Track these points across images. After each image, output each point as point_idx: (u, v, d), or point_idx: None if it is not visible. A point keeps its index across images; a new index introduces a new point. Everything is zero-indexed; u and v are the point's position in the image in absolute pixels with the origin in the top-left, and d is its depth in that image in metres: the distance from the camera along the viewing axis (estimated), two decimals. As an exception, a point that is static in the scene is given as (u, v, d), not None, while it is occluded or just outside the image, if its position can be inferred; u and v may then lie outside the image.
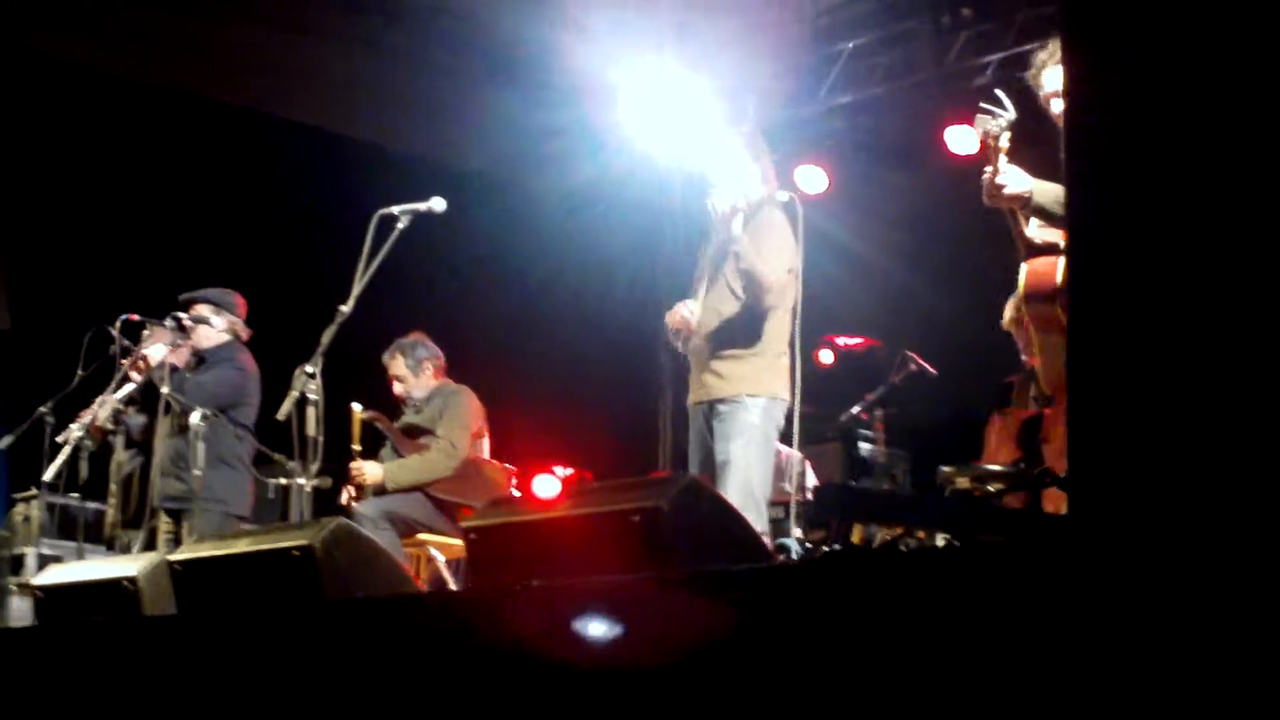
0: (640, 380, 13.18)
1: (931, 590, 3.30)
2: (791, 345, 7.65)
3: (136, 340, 9.06)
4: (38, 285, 12.90)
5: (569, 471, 11.95)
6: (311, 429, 7.41)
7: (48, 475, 8.88)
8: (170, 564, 5.83)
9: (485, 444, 9.49)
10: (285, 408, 7.41)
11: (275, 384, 8.07)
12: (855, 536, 8.26)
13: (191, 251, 12.11)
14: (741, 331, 7.65)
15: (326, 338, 7.46)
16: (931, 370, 10.42)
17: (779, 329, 7.67)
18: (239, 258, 11.73)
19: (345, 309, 7.46)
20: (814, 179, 11.74)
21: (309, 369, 7.39)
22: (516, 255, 13.25)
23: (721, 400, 7.59)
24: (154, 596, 5.97)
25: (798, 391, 7.61)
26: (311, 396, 7.39)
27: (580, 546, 4.69)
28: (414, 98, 13.11)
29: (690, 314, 7.71)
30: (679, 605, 3.83)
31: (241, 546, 5.67)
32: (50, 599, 6.56)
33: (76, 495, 9.32)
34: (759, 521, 7.32)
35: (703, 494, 4.71)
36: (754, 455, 7.50)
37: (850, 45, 11.82)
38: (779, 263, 7.59)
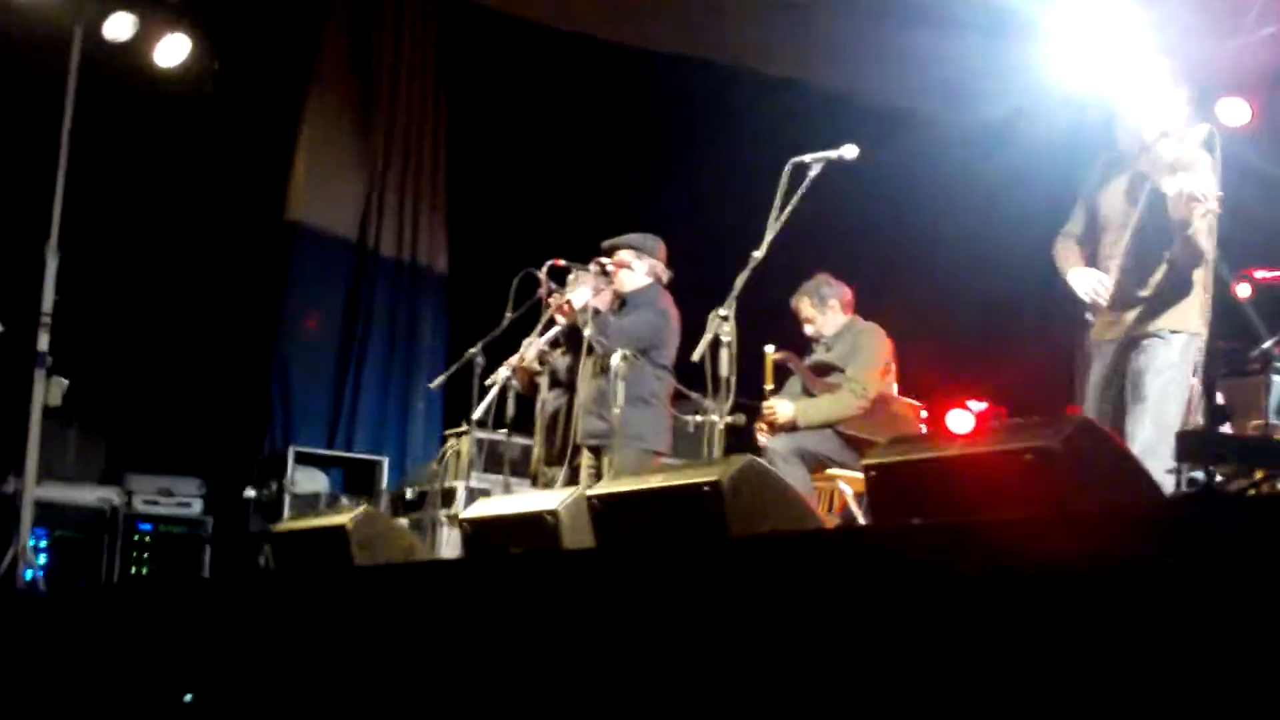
0: (1057, 314, 13.10)
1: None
2: (1209, 280, 7.59)
3: (562, 284, 9.35)
4: (475, 231, 13.43)
5: (983, 406, 11.97)
6: (725, 369, 7.65)
7: (476, 413, 9.27)
8: (589, 499, 6.04)
9: (893, 380, 9.56)
10: (700, 349, 7.69)
11: (694, 326, 8.31)
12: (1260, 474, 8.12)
13: (615, 198, 12.46)
14: (1166, 271, 7.59)
15: (740, 281, 7.69)
16: (1347, 305, 10.16)
17: (1202, 267, 7.61)
18: (661, 203, 12.02)
19: (758, 254, 7.67)
20: (1237, 111, 11.53)
21: (723, 312, 7.63)
22: (935, 189, 13.32)
23: (1143, 336, 7.58)
24: (574, 530, 6.17)
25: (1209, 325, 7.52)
26: (725, 338, 7.63)
27: (976, 485, 4.75)
28: (835, 36, 13.23)
29: (1102, 288, 7.72)
30: (1068, 544, 3.88)
31: (655, 482, 5.83)
32: (477, 531, 6.85)
33: (504, 431, 9.63)
34: (1171, 457, 7.32)
35: (1096, 434, 4.73)
36: (1171, 391, 7.46)
37: (1278, -26, 11.57)
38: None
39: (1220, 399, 9.27)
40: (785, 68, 13.70)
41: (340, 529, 7.18)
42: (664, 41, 13.45)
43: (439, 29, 13.79)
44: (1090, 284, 7.76)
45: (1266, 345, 10.13)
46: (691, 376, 8.58)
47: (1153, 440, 7.11)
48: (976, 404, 12.01)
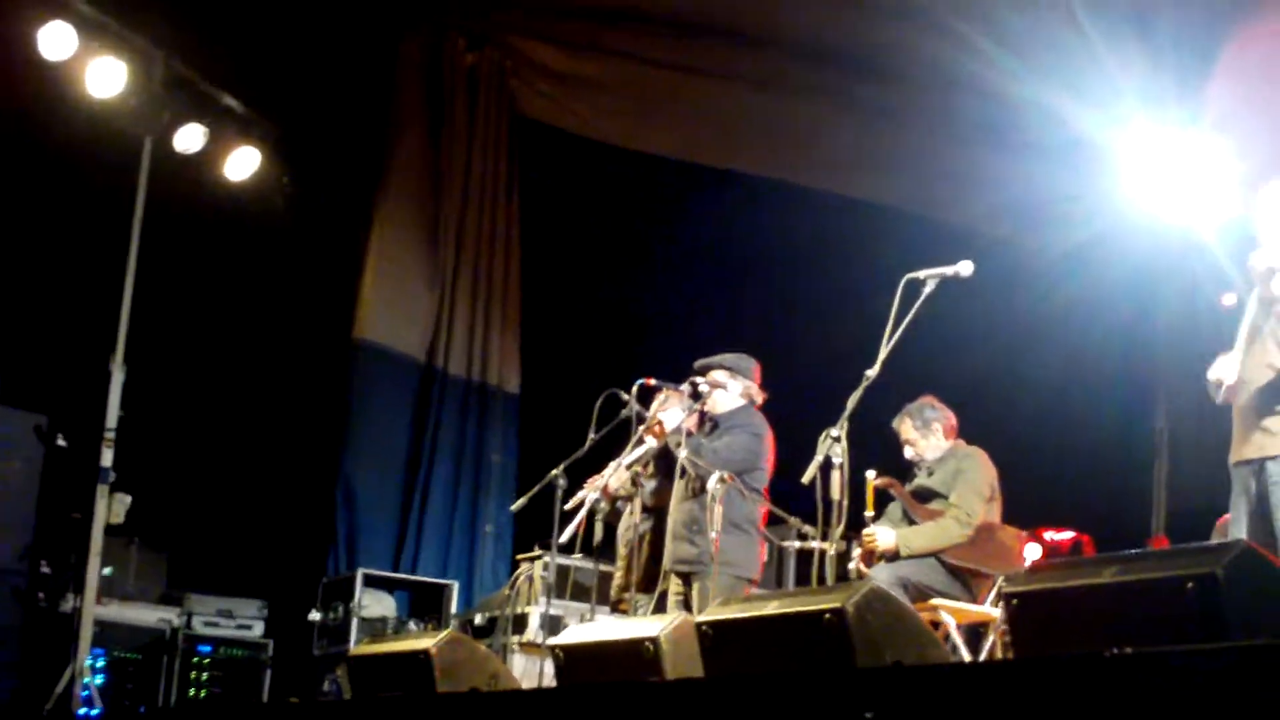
0: (1135, 442, 12.90)
1: None
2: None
3: (648, 405, 9.19)
4: (548, 349, 13.31)
5: (1068, 535, 11.74)
6: (835, 492, 7.41)
7: (563, 538, 8.94)
8: (698, 625, 5.82)
9: (998, 507, 9.27)
10: (810, 471, 7.43)
11: (790, 447, 8.09)
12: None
13: (707, 317, 12.33)
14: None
15: (853, 401, 7.48)
16: None
17: None
18: (753, 322, 11.89)
19: (871, 372, 7.49)
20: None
21: (834, 433, 7.41)
22: (1018, 315, 13.14)
23: (1274, 458, 7.18)
24: (677, 659, 5.98)
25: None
26: (836, 460, 7.39)
27: (1128, 614, 4.57)
28: (924, 163, 13.15)
29: (1226, 368, 7.43)
30: (1237, 679, 3.66)
31: (771, 609, 5.62)
32: (570, 658, 6.63)
33: (579, 556, 9.42)
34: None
35: (1259, 560, 4.53)
36: None
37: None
38: None
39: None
40: (863, 190, 13.59)
41: (424, 653, 6.99)
42: (741, 164, 13.36)
43: (512, 143, 13.75)
44: (1221, 364, 7.47)
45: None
46: (791, 499, 8.35)
47: None
48: (1055, 534, 11.76)
